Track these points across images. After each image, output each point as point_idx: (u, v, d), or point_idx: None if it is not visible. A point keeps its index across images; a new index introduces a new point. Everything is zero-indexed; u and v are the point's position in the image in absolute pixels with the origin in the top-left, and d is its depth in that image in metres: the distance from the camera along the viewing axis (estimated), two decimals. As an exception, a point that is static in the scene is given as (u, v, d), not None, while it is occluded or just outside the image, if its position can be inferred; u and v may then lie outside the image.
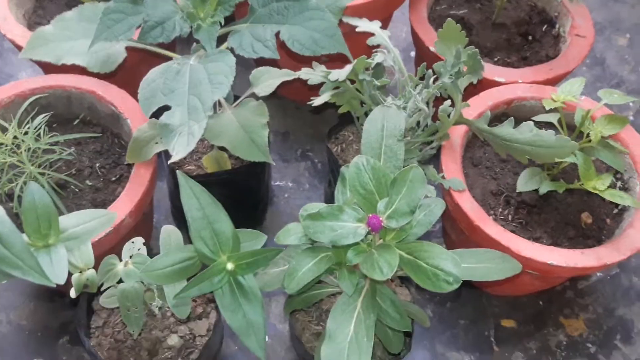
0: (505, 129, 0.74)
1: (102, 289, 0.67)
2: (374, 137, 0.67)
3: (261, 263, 0.54)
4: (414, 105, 0.77)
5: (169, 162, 0.65)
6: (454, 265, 0.56)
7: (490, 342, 0.99)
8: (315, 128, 1.25)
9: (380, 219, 0.58)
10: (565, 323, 1.01)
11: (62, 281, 0.47)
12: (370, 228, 0.58)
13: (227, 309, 0.53)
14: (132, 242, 0.73)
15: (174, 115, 0.64)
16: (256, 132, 0.70)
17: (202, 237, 0.54)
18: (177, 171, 0.54)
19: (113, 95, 0.92)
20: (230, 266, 0.54)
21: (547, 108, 0.81)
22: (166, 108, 0.66)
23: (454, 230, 0.94)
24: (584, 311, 1.02)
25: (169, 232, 0.68)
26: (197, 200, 0.54)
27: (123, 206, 0.81)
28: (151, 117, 0.70)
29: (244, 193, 0.99)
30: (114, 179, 0.92)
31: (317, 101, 0.82)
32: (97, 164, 0.93)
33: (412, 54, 1.35)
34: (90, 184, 0.91)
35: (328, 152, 0.99)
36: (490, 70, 0.99)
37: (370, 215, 0.58)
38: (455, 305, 1.02)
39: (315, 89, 0.85)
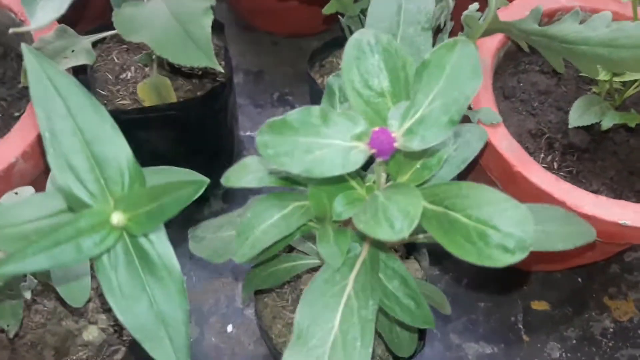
0: (568, 26, 0.50)
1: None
2: (386, 24, 0.42)
3: (170, 208, 0.29)
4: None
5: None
6: (519, 220, 0.33)
7: (518, 329, 0.78)
8: (296, 67, 1.01)
9: (393, 134, 0.34)
10: (611, 305, 0.81)
11: None
12: (375, 150, 0.34)
13: (118, 293, 0.30)
14: (16, 193, 0.50)
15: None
16: (194, 20, 0.46)
17: (71, 165, 0.30)
18: (23, 44, 0.30)
19: (11, -4, 0.67)
20: (118, 218, 0.30)
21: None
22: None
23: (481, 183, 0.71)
24: (634, 290, 0.82)
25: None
26: (62, 101, 0.30)
27: (13, 145, 0.57)
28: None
29: (199, 138, 0.75)
30: (17, 114, 0.68)
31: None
32: (-4, 96, 0.69)
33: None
34: (-17, 121, 0.67)
35: (310, 84, 0.75)
36: (526, -27, 0.74)
37: (377, 128, 0.34)
38: (473, 283, 0.80)
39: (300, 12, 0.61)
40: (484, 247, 0.34)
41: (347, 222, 0.40)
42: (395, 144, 0.33)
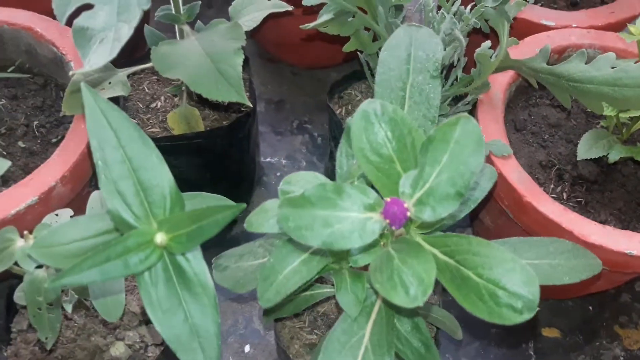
0: (575, 66, 0.53)
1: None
2: (396, 72, 0.46)
3: (209, 230, 0.33)
4: (449, 27, 0.56)
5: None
6: (525, 281, 0.35)
7: (529, 356, 0.79)
8: (315, 97, 1.05)
9: (405, 205, 0.37)
10: (621, 333, 0.82)
11: None
12: (388, 221, 0.36)
13: (157, 307, 0.33)
14: (56, 215, 0.54)
15: (96, 16, 0.44)
16: (226, 60, 0.50)
17: (120, 191, 0.33)
18: (82, 83, 0.34)
19: (54, 32, 0.72)
20: (161, 238, 0.33)
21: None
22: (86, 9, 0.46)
23: (490, 213, 0.73)
24: (645, 319, 0.82)
25: (100, 200, 0.48)
26: (113, 133, 0.33)
27: (53, 169, 0.61)
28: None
29: (223, 164, 0.79)
30: (54, 140, 0.72)
31: (314, 22, 0.61)
32: (36, 123, 0.74)
33: None
34: (23, 146, 0.72)
35: (330, 115, 0.79)
36: (537, 12, 0.78)
37: (389, 199, 0.37)
38: (486, 309, 0.82)
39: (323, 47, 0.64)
40: (495, 306, 0.36)
41: (364, 267, 0.42)
42: (408, 214, 0.36)
